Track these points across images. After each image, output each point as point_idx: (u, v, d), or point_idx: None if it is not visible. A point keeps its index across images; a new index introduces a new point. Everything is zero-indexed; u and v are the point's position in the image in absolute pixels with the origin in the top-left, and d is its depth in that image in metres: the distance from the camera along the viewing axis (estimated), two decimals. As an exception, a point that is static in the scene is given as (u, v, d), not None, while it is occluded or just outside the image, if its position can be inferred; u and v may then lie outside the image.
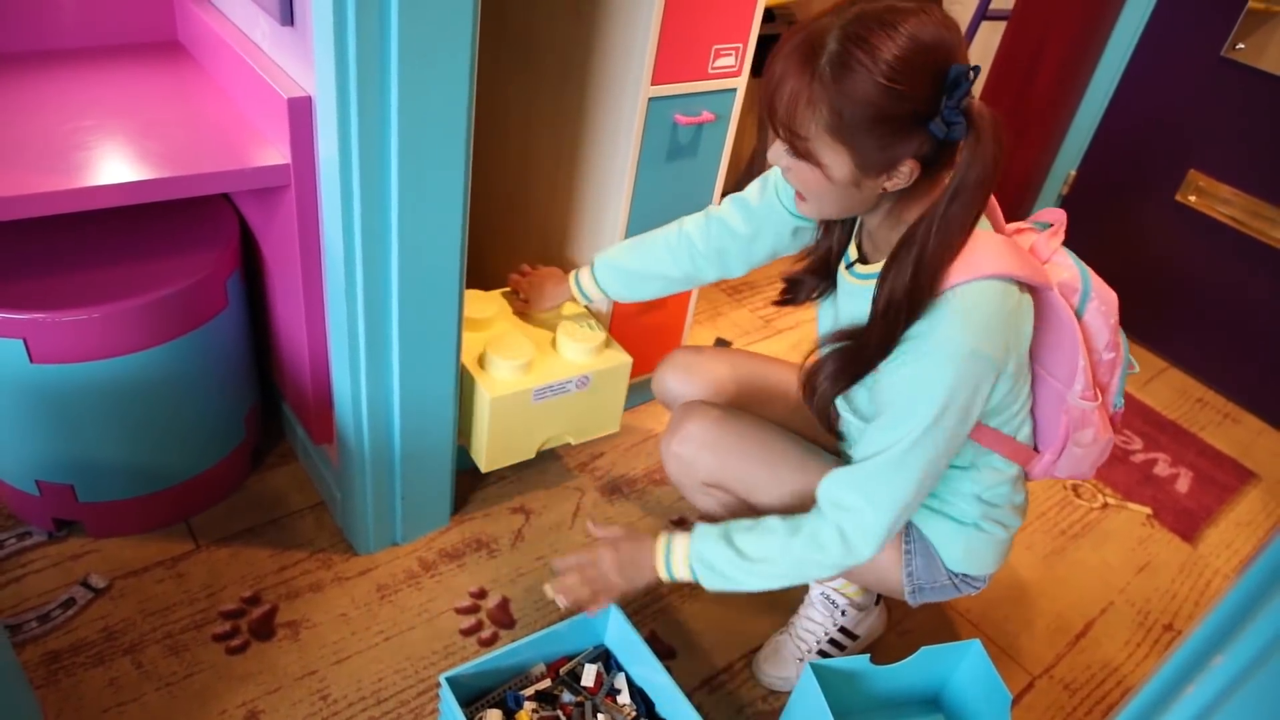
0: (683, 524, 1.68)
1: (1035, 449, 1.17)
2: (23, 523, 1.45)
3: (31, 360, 1.23)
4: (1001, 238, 1.04)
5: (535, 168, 1.73)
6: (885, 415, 1.03)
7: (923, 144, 0.93)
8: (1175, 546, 1.86)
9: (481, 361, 1.46)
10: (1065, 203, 2.63)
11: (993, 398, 1.05)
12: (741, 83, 1.57)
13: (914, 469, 1.02)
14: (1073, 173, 2.59)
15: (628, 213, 1.55)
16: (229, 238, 1.40)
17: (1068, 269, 1.11)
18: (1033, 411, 1.15)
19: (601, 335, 1.52)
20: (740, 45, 1.51)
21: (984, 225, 1.05)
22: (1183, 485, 2.05)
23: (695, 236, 1.36)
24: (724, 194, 1.86)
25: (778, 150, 1.00)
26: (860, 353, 1.03)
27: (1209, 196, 2.32)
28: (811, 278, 1.21)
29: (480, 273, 2.00)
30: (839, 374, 1.06)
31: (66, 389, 1.27)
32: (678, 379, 1.42)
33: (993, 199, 1.09)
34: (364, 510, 1.44)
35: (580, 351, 1.50)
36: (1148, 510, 1.94)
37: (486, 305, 1.56)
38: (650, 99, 1.45)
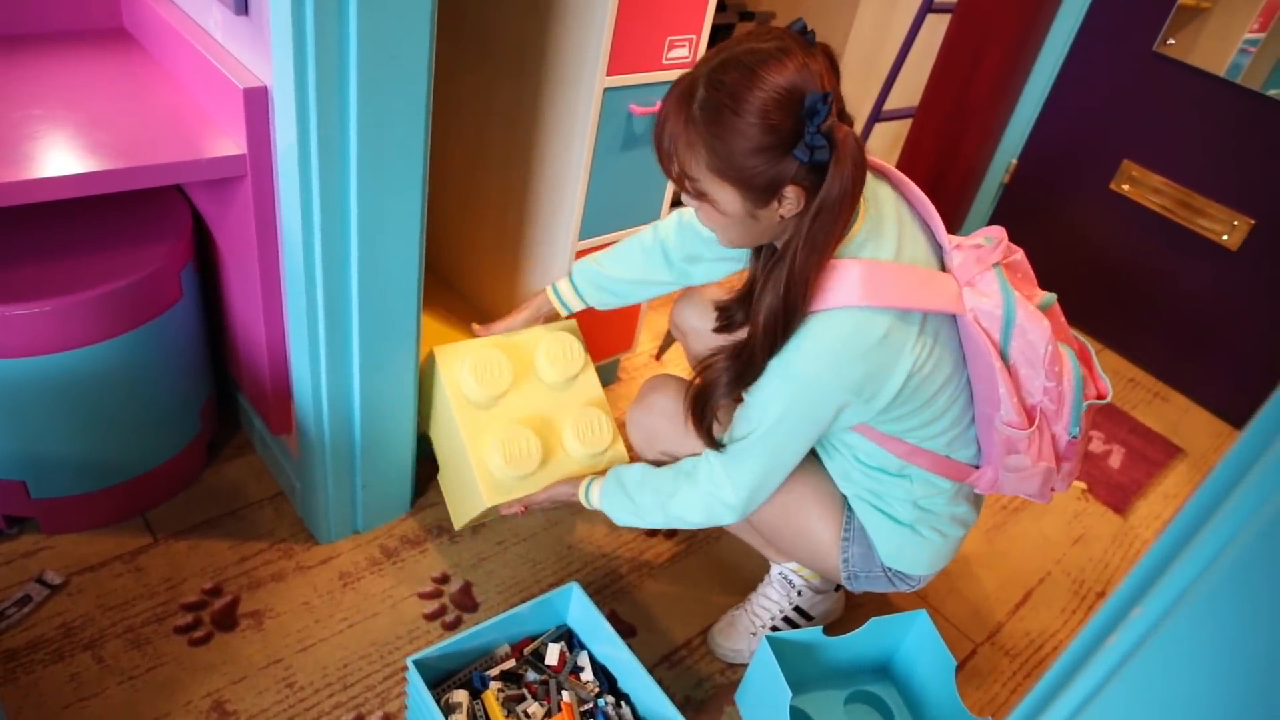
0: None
1: (975, 466, 1.22)
2: (-27, 519, 1.43)
3: (-18, 354, 1.21)
4: (885, 265, 1.05)
5: (491, 158, 1.74)
6: (745, 408, 1.15)
7: (798, 170, 0.99)
8: (1108, 519, 1.95)
9: (485, 451, 1.39)
10: (1007, 190, 2.71)
11: (848, 418, 1.13)
12: (694, 74, 1.60)
13: (763, 458, 1.16)
14: (1014, 161, 2.67)
15: (583, 203, 1.58)
16: (182, 229, 1.39)
17: (990, 296, 1.10)
18: (973, 431, 1.20)
19: (609, 434, 1.46)
20: (694, 36, 1.54)
21: (911, 247, 1.09)
22: (1115, 461, 2.14)
23: (670, 241, 1.39)
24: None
25: (686, 195, 1.08)
26: (747, 364, 1.11)
27: (1141, 186, 2.42)
28: (742, 306, 1.26)
29: (439, 265, 2.01)
30: (730, 383, 1.14)
31: (18, 384, 1.25)
32: (696, 314, 1.48)
33: (934, 210, 1.13)
34: (325, 499, 1.45)
35: (586, 454, 1.44)
36: (1083, 485, 2.03)
37: (499, 376, 1.43)
38: (605, 89, 1.47)
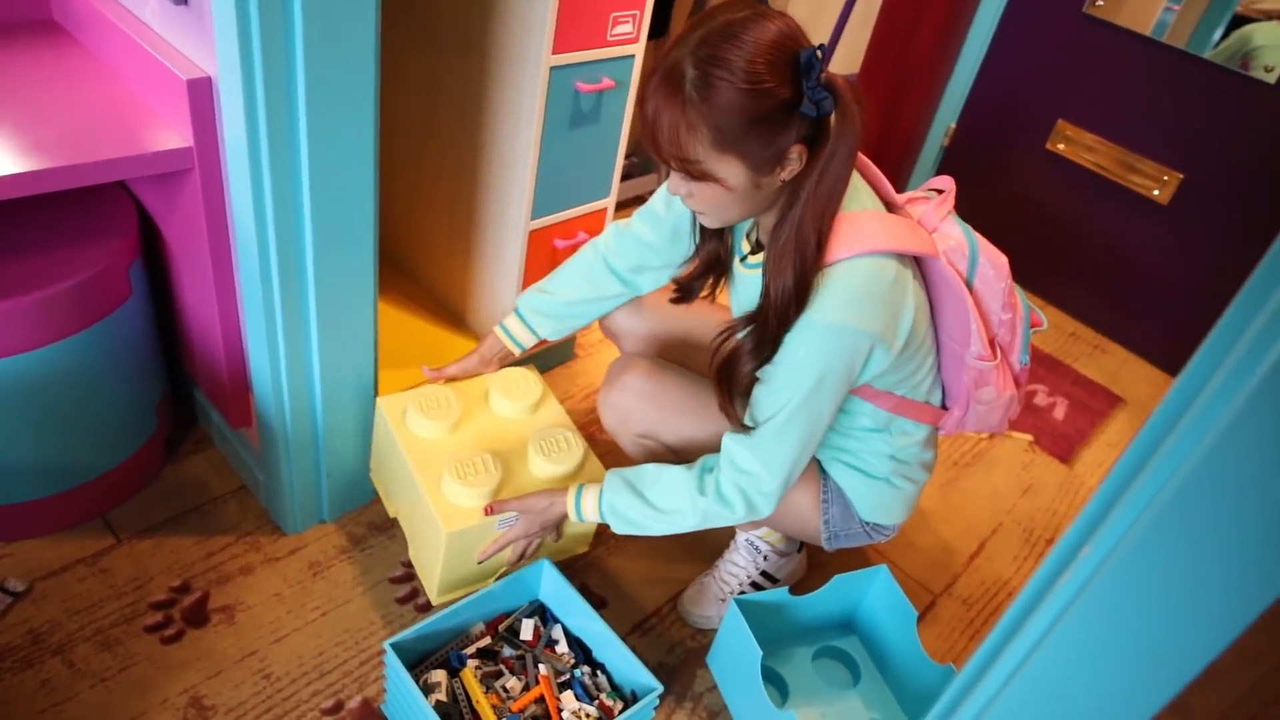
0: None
1: (944, 407, 1.27)
2: (-74, 530, 1.40)
3: (-73, 361, 1.19)
4: (880, 213, 1.11)
5: (440, 142, 1.73)
6: (772, 383, 1.12)
7: (801, 127, 1.00)
8: (1055, 469, 2.03)
9: (439, 482, 1.29)
10: (947, 153, 2.77)
11: (871, 367, 1.13)
12: (640, 49, 1.61)
13: (798, 433, 1.12)
14: (953, 125, 2.73)
15: (534, 183, 1.58)
16: (128, 225, 1.37)
17: (955, 237, 1.19)
18: (939, 373, 1.25)
19: (580, 450, 1.37)
20: (637, 12, 1.55)
21: (872, 202, 1.13)
22: (1059, 413, 2.22)
23: (612, 254, 1.39)
24: (628, 161, 1.90)
25: (676, 181, 1.07)
26: (767, 327, 1.10)
27: (1076, 144, 2.49)
28: (700, 280, 1.28)
29: (392, 251, 2.00)
30: (754, 352, 1.13)
31: (-33, 389, 1.23)
32: (626, 313, 1.47)
33: (880, 174, 1.17)
34: (289, 490, 1.45)
35: (555, 470, 1.35)
36: (1029, 437, 2.11)
37: (447, 406, 1.38)
38: (552, 68, 1.47)
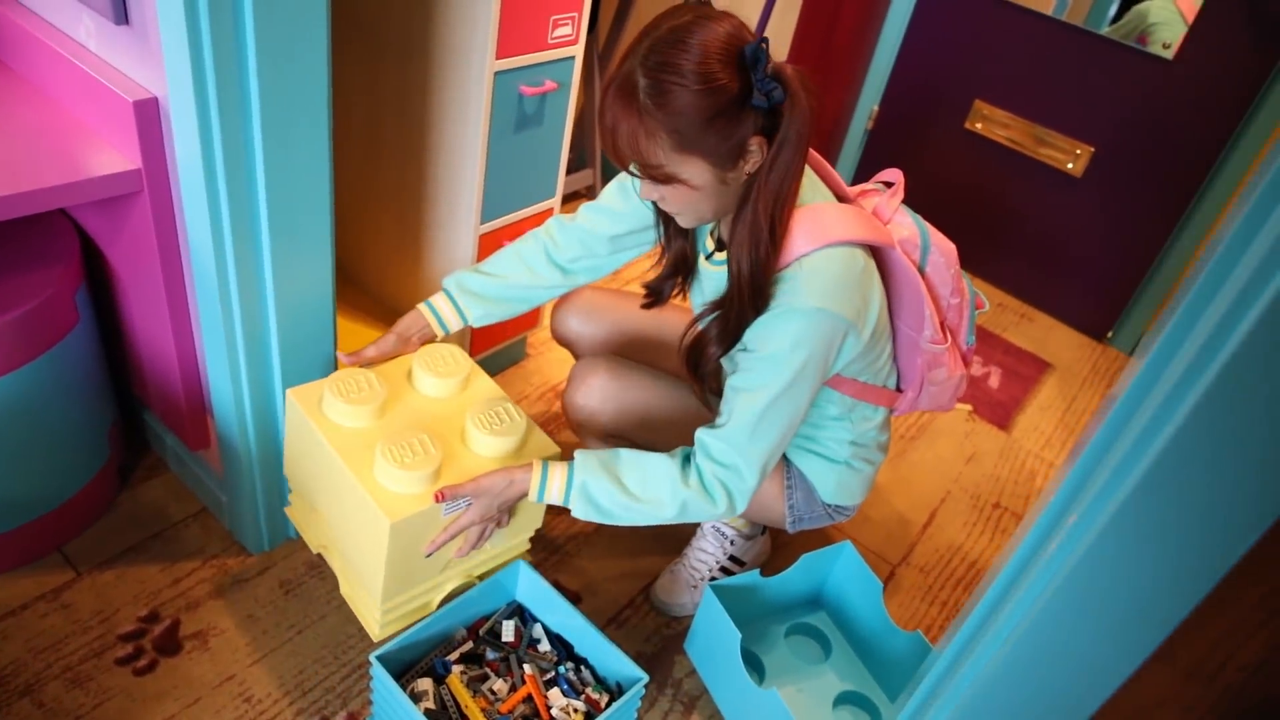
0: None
1: (899, 390, 1.33)
2: None
3: None
4: (843, 206, 1.15)
5: (386, 150, 1.72)
6: (750, 373, 1.12)
7: (756, 119, 1.03)
8: (994, 435, 2.13)
9: (372, 470, 1.16)
10: (871, 136, 2.85)
11: (845, 353, 1.16)
12: (579, 50, 1.62)
13: (777, 424, 1.12)
14: (875, 109, 2.81)
15: (482, 187, 1.59)
16: (71, 250, 1.33)
17: (908, 227, 1.25)
18: (895, 359, 1.30)
19: (522, 421, 1.27)
20: (575, 14, 1.56)
21: (827, 196, 1.17)
22: (994, 381, 2.32)
23: (554, 243, 1.38)
24: (569, 158, 1.91)
25: (647, 187, 1.09)
26: (731, 315, 1.13)
27: (991, 122, 2.60)
28: (670, 281, 1.31)
29: (342, 261, 1.97)
30: (720, 338, 1.15)
31: (-88, 429, 1.19)
32: (579, 320, 1.49)
33: (831, 170, 1.21)
34: (254, 509, 1.43)
35: (500, 445, 1.24)
36: (969, 407, 2.20)
37: (369, 390, 1.25)
38: (496, 73, 1.48)
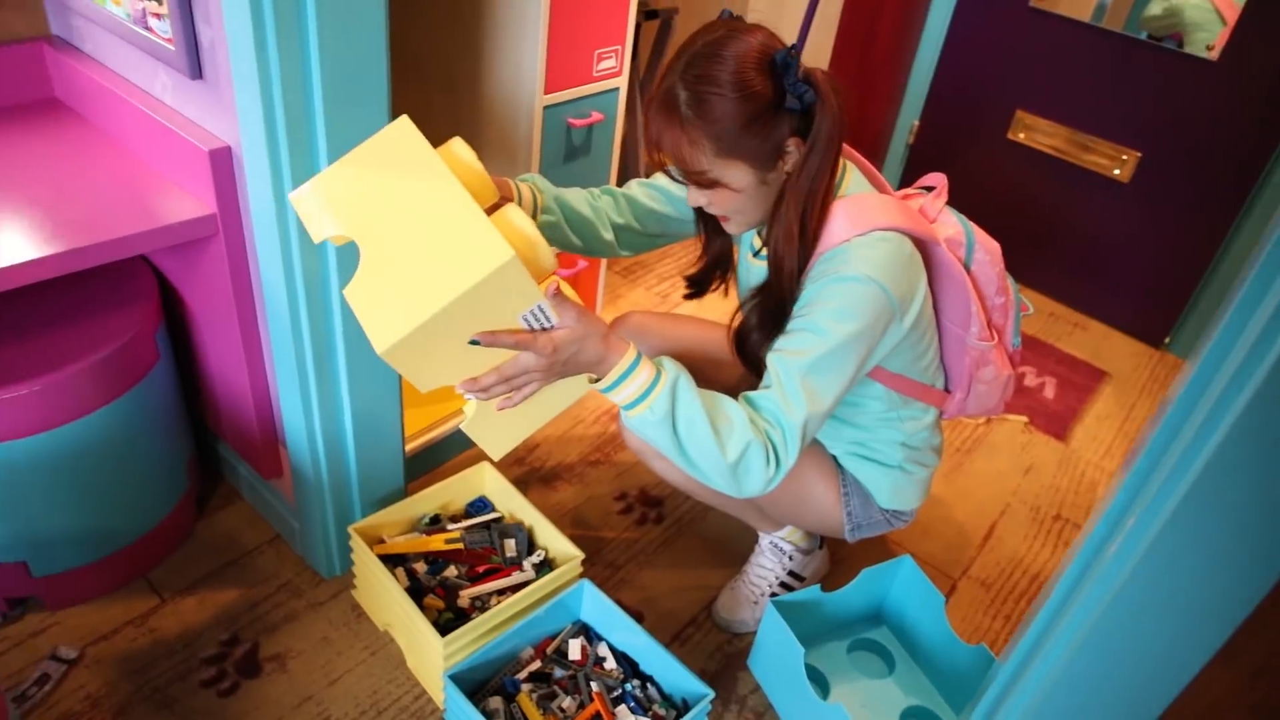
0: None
1: (947, 391, 1.35)
2: (-30, 609, 1.42)
3: (-29, 443, 1.22)
4: (888, 198, 1.19)
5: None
6: (793, 336, 1.11)
7: (792, 122, 1.09)
8: (1052, 446, 2.11)
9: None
10: (912, 151, 2.86)
11: (885, 342, 1.16)
12: (623, 81, 1.67)
13: (820, 389, 1.08)
14: (916, 123, 2.81)
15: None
16: (150, 292, 1.41)
17: (953, 226, 1.28)
18: (942, 359, 1.32)
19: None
20: (619, 47, 1.62)
21: (868, 189, 1.20)
22: (1049, 392, 2.30)
23: (614, 200, 1.36)
24: (618, 182, 1.96)
25: (694, 193, 1.15)
26: (770, 301, 1.17)
27: (1035, 132, 2.59)
28: (710, 273, 1.34)
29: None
30: (762, 324, 1.19)
31: (10, 467, 1.26)
32: (631, 342, 1.51)
33: (878, 173, 1.25)
34: (326, 535, 1.49)
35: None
36: (1024, 419, 2.18)
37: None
38: (545, 108, 1.53)
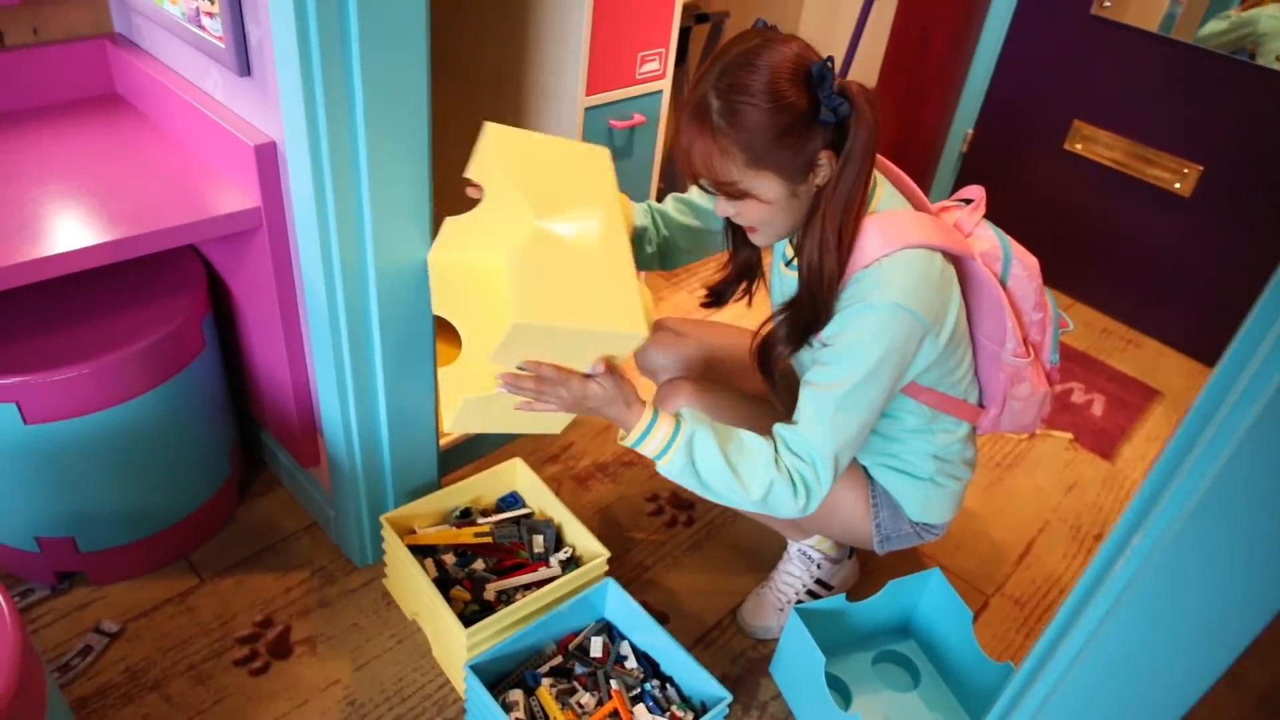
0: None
1: (981, 406, 1.33)
2: (23, 580, 1.48)
3: (25, 422, 1.27)
4: (920, 214, 1.18)
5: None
6: (826, 366, 1.14)
7: (825, 134, 1.07)
8: (1096, 465, 2.06)
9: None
10: (966, 160, 2.81)
11: (922, 357, 1.17)
12: (666, 84, 1.68)
13: (852, 419, 1.13)
14: (970, 131, 2.77)
15: (575, 216, 1.65)
16: (198, 281, 1.45)
17: (989, 240, 1.26)
18: (976, 373, 1.30)
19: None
20: (663, 50, 1.62)
21: (904, 205, 1.19)
22: (1097, 409, 2.25)
23: (659, 213, 1.40)
24: (659, 188, 1.97)
25: (722, 204, 1.14)
26: (800, 316, 1.17)
27: (1093, 143, 2.53)
28: (733, 286, 1.34)
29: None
30: (789, 338, 1.19)
31: (61, 446, 1.31)
32: (660, 350, 1.53)
33: (914, 185, 1.23)
34: (360, 524, 1.52)
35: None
36: (1069, 435, 2.14)
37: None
38: (586, 109, 1.55)
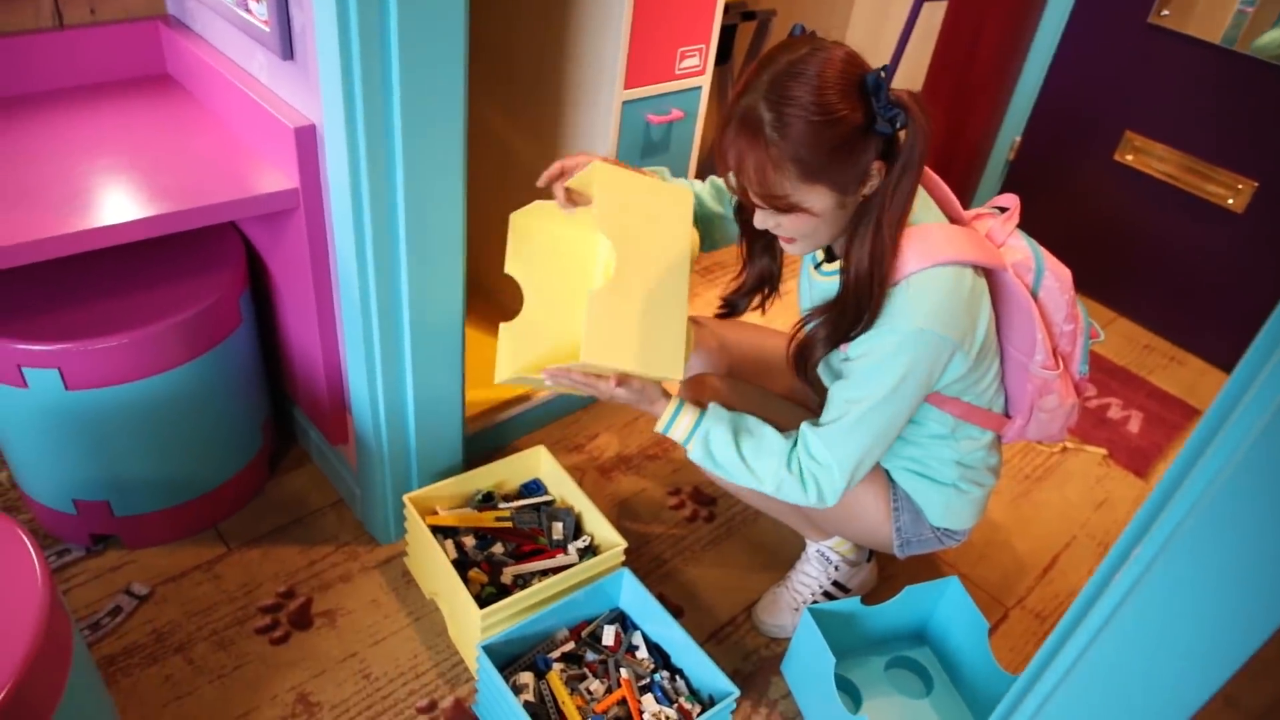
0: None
1: (1007, 415, 1.31)
2: (60, 541, 1.54)
3: (67, 388, 1.31)
4: (953, 227, 1.16)
5: (519, 172, 1.83)
6: (851, 379, 1.17)
7: (878, 144, 1.06)
8: (1129, 482, 2.02)
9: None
10: (1012, 167, 2.77)
11: (949, 373, 1.18)
12: (706, 80, 1.68)
13: (871, 431, 1.17)
14: (1017, 139, 2.73)
15: (608, 209, 1.66)
16: (237, 259, 1.49)
17: (1021, 251, 1.24)
18: (1003, 382, 1.29)
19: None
20: (704, 46, 1.62)
21: (938, 217, 1.18)
22: (1134, 426, 2.21)
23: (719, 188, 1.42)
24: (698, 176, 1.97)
25: (764, 216, 1.13)
26: (842, 318, 1.16)
27: (1145, 155, 2.48)
28: (748, 297, 1.35)
29: (478, 275, 2.10)
30: (827, 340, 1.19)
31: (100, 412, 1.35)
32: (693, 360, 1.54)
33: (948, 191, 1.22)
34: (384, 503, 1.55)
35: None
36: (1103, 451, 2.10)
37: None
38: (624, 103, 1.55)
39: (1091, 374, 2.36)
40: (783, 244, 1.20)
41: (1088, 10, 2.48)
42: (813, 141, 1.02)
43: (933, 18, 2.66)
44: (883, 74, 1.04)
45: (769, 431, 1.23)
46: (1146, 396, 2.32)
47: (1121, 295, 2.64)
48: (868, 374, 1.15)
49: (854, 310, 1.14)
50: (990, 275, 1.20)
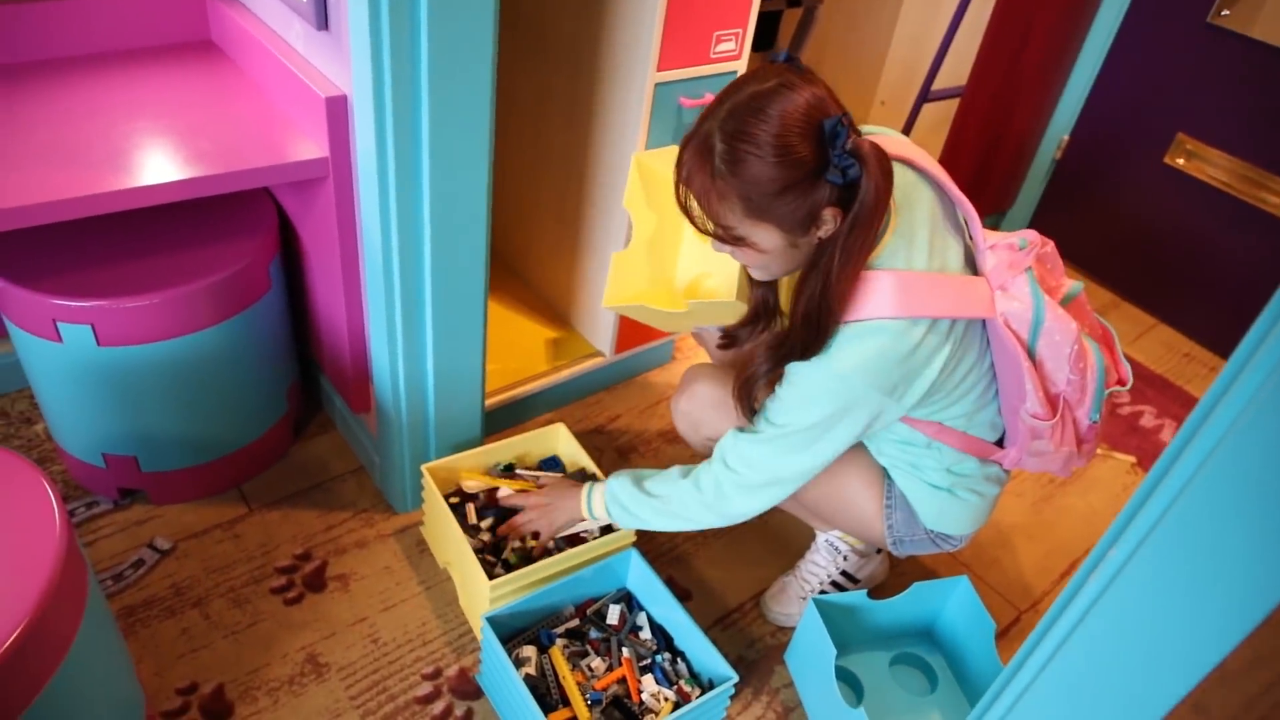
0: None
1: (1000, 444, 1.28)
2: (89, 493, 1.59)
3: (99, 344, 1.35)
4: (923, 276, 1.11)
5: (550, 152, 1.84)
6: (778, 402, 1.18)
7: (831, 192, 1.03)
8: (1158, 492, 1.98)
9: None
10: (1058, 167, 2.72)
11: (884, 419, 1.16)
12: (742, 65, 1.67)
13: (790, 462, 1.19)
14: (1065, 138, 2.67)
15: (637, 191, 1.66)
16: (269, 225, 1.52)
17: (1020, 300, 1.15)
18: (999, 414, 1.26)
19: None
20: (740, 30, 1.61)
21: (922, 258, 1.13)
22: (1167, 436, 2.16)
23: None
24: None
25: (716, 242, 1.12)
26: (791, 355, 1.15)
27: (1198, 159, 2.41)
28: (748, 329, 1.33)
29: (504, 252, 2.12)
30: (768, 371, 1.18)
31: (130, 369, 1.39)
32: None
33: (972, 209, 1.18)
34: (402, 472, 1.57)
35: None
36: (1132, 459, 2.06)
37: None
38: (657, 84, 1.55)
39: (1127, 381, 2.31)
40: (747, 268, 1.19)
41: (1144, 8, 2.42)
42: (760, 181, 1.00)
43: (982, 12, 2.60)
44: (844, 120, 1.00)
45: (672, 468, 1.31)
46: (1181, 406, 2.27)
47: (1163, 301, 2.58)
48: (794, 403, 1.16)
49: (798, 351, 1.13)
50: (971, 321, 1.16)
